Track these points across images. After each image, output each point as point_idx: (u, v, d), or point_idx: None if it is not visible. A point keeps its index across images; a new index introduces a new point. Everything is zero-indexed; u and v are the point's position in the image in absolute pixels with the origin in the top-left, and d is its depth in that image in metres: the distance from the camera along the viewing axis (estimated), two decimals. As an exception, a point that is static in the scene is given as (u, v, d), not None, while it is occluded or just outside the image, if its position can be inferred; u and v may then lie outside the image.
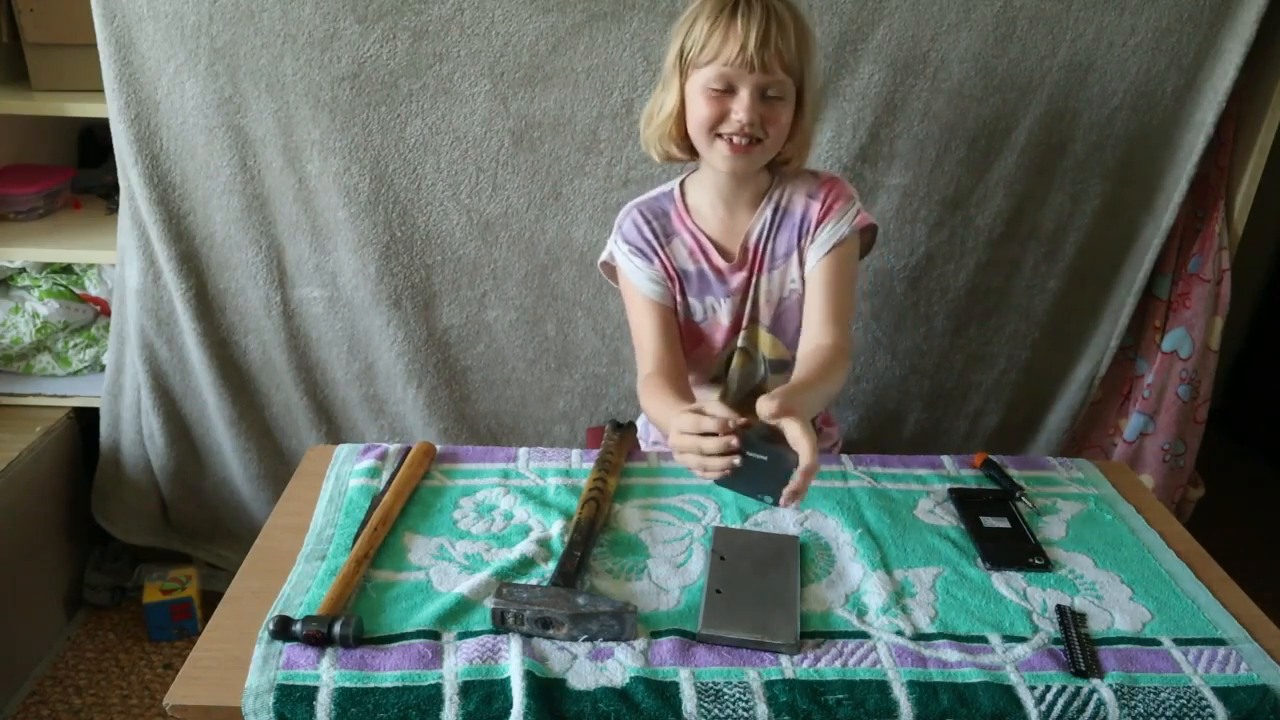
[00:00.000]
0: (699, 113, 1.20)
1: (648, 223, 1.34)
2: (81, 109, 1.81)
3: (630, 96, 1.62)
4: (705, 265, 1.33)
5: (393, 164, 1.67)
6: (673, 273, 1.33)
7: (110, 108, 1.64)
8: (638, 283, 1.33)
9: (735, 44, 1.14)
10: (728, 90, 1.18)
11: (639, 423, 1.59)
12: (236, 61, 1.58)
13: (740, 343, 1.37)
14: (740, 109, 1.17)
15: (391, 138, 1.65)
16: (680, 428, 1.06)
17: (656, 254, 1.33)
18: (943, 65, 1.61)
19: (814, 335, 1.28)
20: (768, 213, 1.31)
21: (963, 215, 1.73)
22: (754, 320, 1.36)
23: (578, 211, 1.72)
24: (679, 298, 1.34)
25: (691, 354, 1.38)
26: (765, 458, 1.04)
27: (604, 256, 1.40)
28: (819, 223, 1.29)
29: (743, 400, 1.41)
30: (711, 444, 1.04)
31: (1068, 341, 1.88)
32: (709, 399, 1.40)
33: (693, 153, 1.29)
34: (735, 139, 1.19)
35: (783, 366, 1.38)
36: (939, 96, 1.63)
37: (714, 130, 1.20)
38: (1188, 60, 1.61)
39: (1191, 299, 1.80)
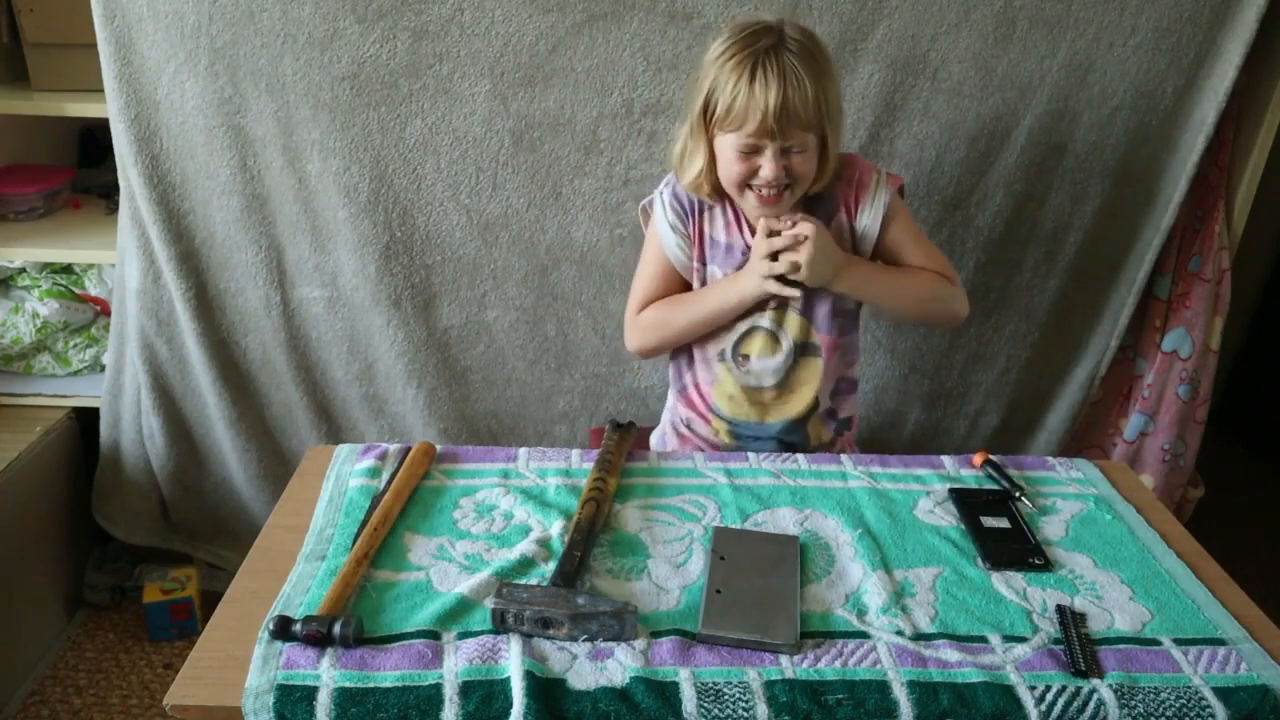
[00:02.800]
0: (729, 169, 1.29)
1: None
2: (81, 109, 1.81)
3: (630, 96, 1.62)
4: (738, 239, 1.38)
5: (393, 164, 1.67)
6: (703, 239, 1.40)
7: (110, 108, 1.64)
8: (665, 239, 1.41)
9: (756, 116, 1.21)
10: (754, 150, 1.25)
11: (655, 433, 1.59)
12: (236, 61, 1.58)
13: (765, 323, 1.38)
14: (766, 168, 1.25)
15: (391, 138, 1.65)
16: (760, 251, 1.30)
17: (694, 217, 1.39)
18: (943, 65, 1.61)
19: None
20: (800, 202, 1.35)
21: (963, 215, 1.73)
22: (784, 302, 1.37)
23: (578, 211, 1.72)
24: (700, 265, 1.40)
25: None
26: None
27: (644, 202, 1.46)
28: (855, 206, 1.35)
29: (765, 390, 1.42)
30: (803, 229, 1.27)
31: (1068, 341, 1.88)
32: (724, 379, 1.44)
33: (724, 195, 1.36)
34: (765, 191, 1.28)
35: (810, 350, 1.39)
36: (939, 96, 1.63)
37: (743, 184, 1.29)
38: (1188, 60, 1.61)
39: (1191, 299, 1.80)
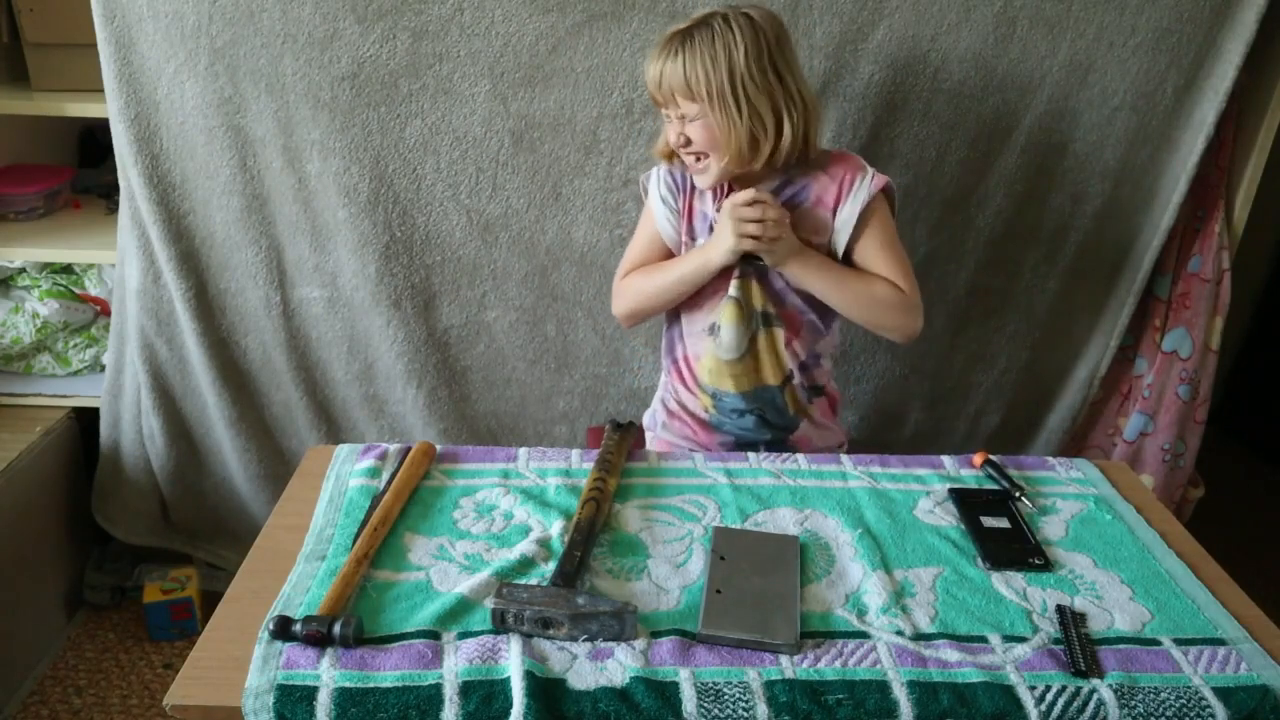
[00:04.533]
0: (667, 136, 1.40)
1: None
2: (81, 109, 1.81)
3: (630, 96, 1.62)
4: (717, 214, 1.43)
5: (393, 164, 1.67)
6: (692, 215, 1.46)
7: (110, 108, 1.64)
8: (656, 211, 1.49)
9: (650, 85, 1.36)
10: (668, 118, 1.37)
11: (647, 414, 1.61)
12: (236, 61, 1.58)
13: (733, 291, 1.42)
14: (670, 132, 1.37)
15: (391, 138, 1.65)
16: (740, 203, 1.33)
17: (685, 193, 1.47)
18: (943, 65, 1.61)
19: None
20: (777, 182, 1.40)
21: (963, 215, 1.73)
22: (746, 272, 1.42)
23: (578, 211, 1.72)
24: (689, 240, 1.46)
25: (693, 298, 1.47)
26: None
27: (644, 176, 1.53)
28: (836, 200, 1.39)
29: (738, 360, 1.46)
30: (775, 211, 1.32)
31: (1068, 341, 1.88)
32: (708, 354, 1.49)
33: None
34: (685, 156, 1.38)
35: (772, 320, 1.44)
36: (939, 96, 1.63)
37: (675, 149, 1.39)
38: (1188, 60, 1.61)
39: (1191, 299, 1.80)
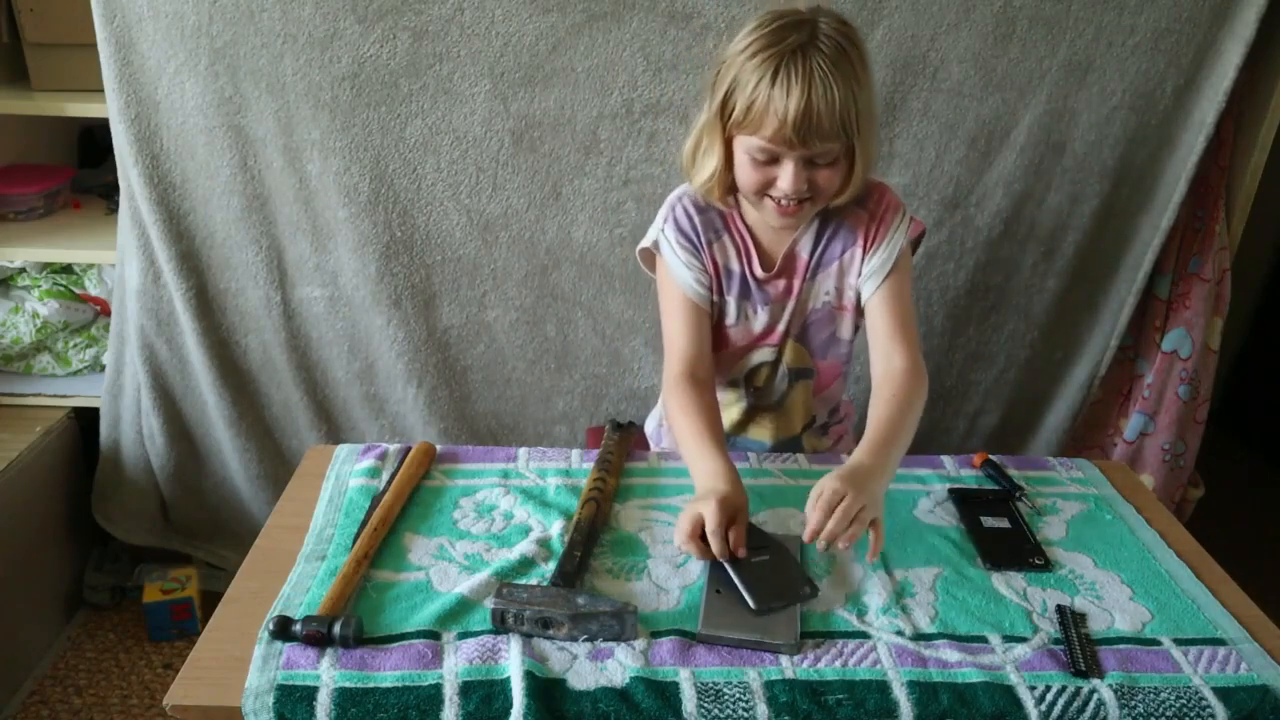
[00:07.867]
0: (745, 176, 1.18)
1: (701, 212, 1.28)
2: (81, 109, 1.81)
3: (630, 96, 1.62)
4: (748, 269, 1.29)
5: (393, 164, 1.67)
6: (718, 270, 1.29)
7: (110, 108, 1.64)
8: (680, 278, 1.27)
9: (774, 121, 1.09)
10: (772, 159, 1.14)
11: (649, 426, 1.59)
12: (236, 61, 1.58)
13: (770, 355, 1.35)
14: (785, 180, 1.14)
15: (391, 138, 1.65)
16: (690, 519, 1.07)
17: (704, 249, 1.28)
18: (943, 65, 1.61)
19: (884, 358, 1.25)
20: (815, 223, 1.27)
21: (962, 215, 1.73)
22: (786, 332, 1.32)
23: (578, 211, 1.72)
24: (718, 297, 1.30)
25: (716, 354, 1.33)
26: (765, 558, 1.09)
27: (645, 242, 1.32)
28: (872, 242, 1.25)
29: (763, 409, 1.40)
30: (716, 546, 1.05)
31: (1068, 341, 1.88)
32: (729, 405, 1.40)
33: (734, 195, 1.26)
34: (784, 201, 1.17)
35: (805, 374, 1.37)
36: (939, 96, 1.63)
37: (761, 192, 1.18)
38: (1187, 60, 1.61)
39: (1191, 299, 1.80)
